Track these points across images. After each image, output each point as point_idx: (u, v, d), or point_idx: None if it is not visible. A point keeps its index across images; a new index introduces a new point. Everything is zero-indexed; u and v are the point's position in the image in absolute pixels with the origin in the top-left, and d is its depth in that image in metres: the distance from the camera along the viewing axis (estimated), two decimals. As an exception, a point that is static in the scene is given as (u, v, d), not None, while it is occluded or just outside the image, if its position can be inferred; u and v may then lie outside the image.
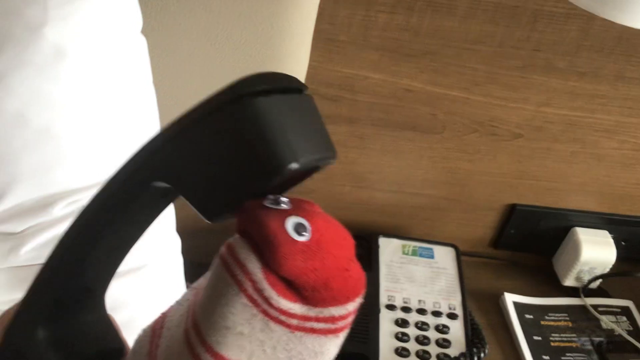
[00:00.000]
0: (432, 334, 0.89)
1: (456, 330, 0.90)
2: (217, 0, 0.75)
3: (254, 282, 0.26)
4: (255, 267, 0.26)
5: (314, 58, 0.85)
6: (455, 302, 0.93)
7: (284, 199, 0.28)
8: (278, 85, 0.27)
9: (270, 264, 0.26)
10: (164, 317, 0.30)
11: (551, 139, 0.95)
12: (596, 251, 1.01)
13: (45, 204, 0.62)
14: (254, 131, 0.25)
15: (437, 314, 0.91)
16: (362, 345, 0.86)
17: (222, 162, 0.26)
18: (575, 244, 1.02)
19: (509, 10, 0.81)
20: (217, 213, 0.27)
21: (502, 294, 1.02)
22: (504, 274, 1.08)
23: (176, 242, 0.73)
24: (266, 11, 0.77)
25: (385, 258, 0.98)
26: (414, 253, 1.00)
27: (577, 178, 1.00)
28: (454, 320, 0.91)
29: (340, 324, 0.28)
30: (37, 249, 0.62)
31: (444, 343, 0.87)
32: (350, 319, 0.28)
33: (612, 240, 1.03)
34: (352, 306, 0.28)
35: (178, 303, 0.30)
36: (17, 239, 0.62)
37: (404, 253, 0.99)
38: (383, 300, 0.92)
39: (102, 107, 0.62)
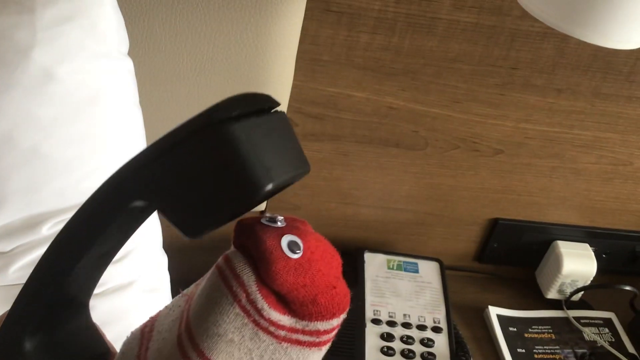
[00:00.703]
0: (417, 348, 0.90)
1: (441, 344, 0.91)
2: (202, 22, 0.76)
3: (247, 294, 0.28)
4: (250, 280, 0.28)
5: (298, 77, 0.86)
6: (439, 315, 0.95)
7: (279, 218, 0.30)
8: (251, 108, 0.28)
9: (264, 278, 0.28)
10: (152, 321, 0.32)
11: (531, 154, 0.97)
12: (577, 264, 1.03)
13: (33, 223, 0.62)
14: (229, 156, 0.26)
15: (422, 327, 0.92)
16: (348, 358, 0.87)
17: (198, 184, 0.27)
18: (557, 257, 1.04)
19: (487, 30, 0.84)
20: (195, 232, 0.27)
21: (486, 307, 1.04)
22: (487, 288, 1.10)
23: (163, 259, 0.74)
24: (250, 32, 0.79)
25: (371, 273, 0.99)
26: (399, 268, 1.01)
27: (558, 192, 1.02)
28: (438, 334, 0.92)
29: (324, 337, 0.30)
30: (26, 267, 0.63)
31: (429, 356, 0.88)
32: (333, 334, 0.30)
33: (592, 253, 1.05)
34: (336, 321, 0.30)
35: (168, 308, 0.31)
36: (5, 258, 0.63)
37: (389, 268, 1.01)
38: (369, 314, 0.93)
39: (89, 128, 0.63)
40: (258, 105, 0.28)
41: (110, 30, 0.64)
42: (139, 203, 0.28)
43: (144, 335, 0.31)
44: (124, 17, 0.67)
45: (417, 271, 1.01)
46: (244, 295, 0.28)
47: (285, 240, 0.29)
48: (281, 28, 0.79)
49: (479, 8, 0.82)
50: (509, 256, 1.09)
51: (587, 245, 1.06)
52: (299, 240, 0.29)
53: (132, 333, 0.32)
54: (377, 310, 0.94)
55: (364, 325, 0.91)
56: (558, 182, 1.01)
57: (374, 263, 1.01)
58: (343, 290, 0.30)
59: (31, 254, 0.63)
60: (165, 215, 0.28)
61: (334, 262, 0.30)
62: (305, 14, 0.81)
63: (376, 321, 0.92)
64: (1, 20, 0.59)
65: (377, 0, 0.81)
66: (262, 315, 0.28)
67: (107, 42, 0.64)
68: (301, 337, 0.29)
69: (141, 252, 0.68)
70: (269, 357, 0.29)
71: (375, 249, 1.03)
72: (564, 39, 0.85)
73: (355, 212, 1.03)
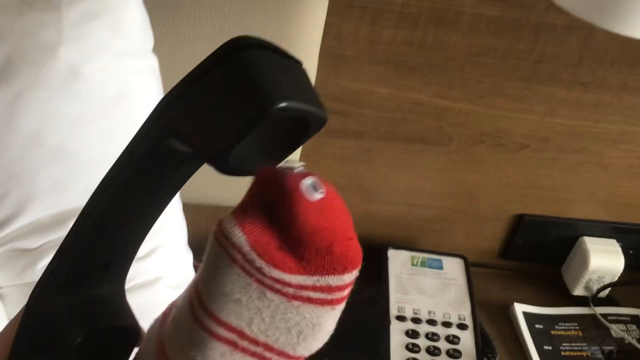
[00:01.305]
0: (443, 345, 0.89)
1: (466, 341, 0.90)
2: (225, 18, 0.77)
3: (243, 254, 0.28)
4: (241, 240, 0.28)
5: (321, 73, 0.86)
6: (465, 312, 0.94)
7: (297, 166, 0.30)
8: (278, 48, 0.30)
9: (284, 219, 0.28)
10: (172, 305, 0.32)
11: (557, 149, 0.96)
12: (604, 260, 1.02)
13: (60, 220, 0.63)
14: (253, 75, 0.28)
15: (447, 324, 0.92)
16: (373, 356, 0.86)
17: (226, 106, 0.29)
18: (583, 253, 1.03)
19: (512, 23, 0.83)
20: (225, 161, 0.29)
21: (512, 304, 1.03)
22: (513, 284, 1.09)
23: (188, 256, 0.74)
24: (274, 28, 0.79)
25: (395, 270, 0.99)
26: (423, 264, 1.00)
27: (584, 187, 1.01)
28: (464, 331, 0.91)
29: (337, 295, 0.29)
30: (53, 264, 0.63)
31: (454, 354, 0.88)
32: (346, 292, 0.30)
33: (620, 249, 1.03)
34: (348, 278, 0.29)
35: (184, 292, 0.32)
36: (33, 255, 0.64)
37: (413, 264, 1.00)
38: (393, 311, 0.92)
39: (115, 125, 0.64)
40: (285, 51, 0.30)
41: (135, 28, 0.64)
42: (172, 144, 0.30)
43: (165, 317, 0.32)
44: (148, 14, 0.68)
45: (441, 268, 1.00)
46: (240, 256, 0.28)
47: (307, 181, 0.28)
48: (304, 24, 0.79)
49: (504, 1, 0.81)
50: (534, 252, 1.08)
51: (614, 241, 1.04)
52: (320, 183, 0.29)
53: (155, 319, 0.33)
54: (401, 307, 0.93)
55: (388, 322, 0.91)
56: (584, 177, 0.99)
57: (397, 260, 1.00)
58: (357, 245, 0.30)
59: (59, 251, 0.63)
60: (196, 146, 0.29)
61: (349, 217, 0.30)
62: (329, 9, 0.81)
63: (401, 318, 0.92)
64: (28, 19, 0.59)
65: (400, -5, 0.81)
66: (263, 274, 0.28)
67: (133, 39, 0.64)
68: (312, 295, 0.29)
69: (167, 249, 0.68)
70: (280, 317, 0.29)
71: (399, 246, 1.02)
72: (589, 31, 0.84)
73: (379, 208, 1.02)
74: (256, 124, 0.28)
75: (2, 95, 0.58)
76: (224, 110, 0.29)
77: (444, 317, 0.93)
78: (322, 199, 0.28)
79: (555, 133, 0.94)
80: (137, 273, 0.65)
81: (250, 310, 0.28)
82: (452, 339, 0.90)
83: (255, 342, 0.29)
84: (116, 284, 0.35)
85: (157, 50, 0.70)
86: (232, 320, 0.28)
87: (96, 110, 0.62)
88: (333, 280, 0.29)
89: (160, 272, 0.67)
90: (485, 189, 1.00)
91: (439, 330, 0.91)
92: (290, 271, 0.28)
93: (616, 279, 1.03)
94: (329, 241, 0.28)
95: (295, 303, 0.28)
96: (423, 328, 0.91)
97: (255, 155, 0.31)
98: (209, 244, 0.30)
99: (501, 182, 0.99)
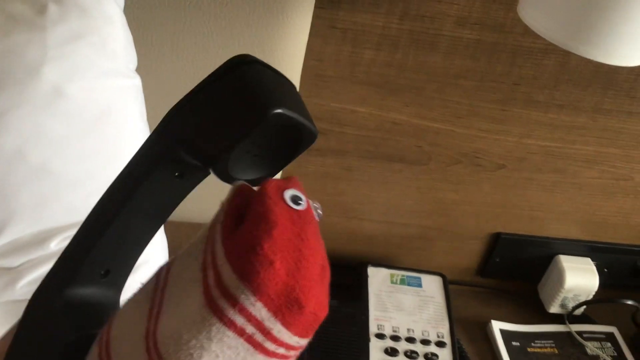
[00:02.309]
0: (422, 362, 0.90)
1: (445, 358, 0.91)
2: (208, 39, 0.77)
3: (258, 323, 0.28)
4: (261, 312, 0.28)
5: (303, 93, 0.87)
6: (443, 330, 0.95)
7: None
8: (274, 68, 0.33)
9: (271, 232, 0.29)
10: (168, 263, 0.33)
11: (533, 169, 0.98)
12: (579, 278, 1.04)
13: (42, 239, 0.63)
14: (254, 85, 0.31)
15: (425, 342, 0.92)
16: (353, 374, 0.87)
17: (228, 111, 0.32)
18: (559, 272, 1.04)
19: (489, 46, 0.85)
20: (225, 164, 0.32)
21: (489, 321, 1.04)
22: (490, 302, 1.10)
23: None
24: (257, 48, 0.80)
25: (374, 287, 0.99)
26: (402, 282, 1.01)
27: (560, 207, 1.03)
28: (442, 348, 0.92)
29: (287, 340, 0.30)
30: (34, 283, 0.63)
31: (433, 371, 0.89)
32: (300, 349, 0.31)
33: (594, 268, 1.05)
34: (305, 339, 0.30)
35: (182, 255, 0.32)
36: (13, 273, 0.64)
37: (392, 282, 1.01)
38: (372, 329, 0.93)
39: (98, 144, 0.64)
40: (280, 72, 0.34)
41: (119, 48, 0.65)
42: (179, 151, 0.32)
43: (160, 272, 0.33)
44: (132, 34, 0.68)
45: (420, 285, 1.01)
46: (252, 326, 0.28)
47: (288, 193, 0.31)
48: (287, 44, 0.81)
49: (481, 25, 0.83)
50: (511, 270, 1.10)
51: (589, 259, 1.06)
52: (300, 194, 0.31)
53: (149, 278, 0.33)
54: (381, 325, 0.94)
55: (368, 340, 0.91)
56: (560, 197, 1.01)
57: (377, 277, 1.01)
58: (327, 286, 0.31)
59: (39, 270, 0.63)
60: (198, 151, 0.32)
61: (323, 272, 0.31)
62: (311, 31, 0.82)
63: (380, 336, 0.92)
64: (12, 38, 0.60)
65: (381, 18, 0.82)
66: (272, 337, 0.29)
67: (116, 59, 0.64)
68: (269, 326, 0.29)
69: (150, 267, 0.68)
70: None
71: (378, 263, 1.03)
72: (565, 55, 0.86)
73: (359, 226, 1.03)
74: (254, 126, 0.30)
75: (-16, 114, 0.58)
76: (226, 115, 0.31)
77: (422, 334, 0.94)
78: (304, 210, 0.31)
79: (531, 153, 0.96)
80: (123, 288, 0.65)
81: None
82: (431, 357, 0.90)
83: None
84: (113, 291, 0.36)
85: (139, 69, 0.70)
86: None
87: (79, 129, 0.63)
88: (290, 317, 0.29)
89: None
90: (463, 207, 1.02)
91: (418, 348, 0.92)
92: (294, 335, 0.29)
93: (591, 296, 1.05)
94: (313, 262, 0.29)
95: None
96: (402, 346, 0.92)
97: (252, 166, 0.33)
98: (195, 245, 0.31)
99: (479, 201, 1.01)
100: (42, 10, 0.61)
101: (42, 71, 0.60)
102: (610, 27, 0.63)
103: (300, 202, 0.31)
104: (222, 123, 0.32)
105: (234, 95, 0.32)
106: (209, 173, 0.33)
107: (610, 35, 0.63)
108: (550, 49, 0.85)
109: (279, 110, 0.31)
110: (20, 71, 0.60)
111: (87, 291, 0.35)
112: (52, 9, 0.61)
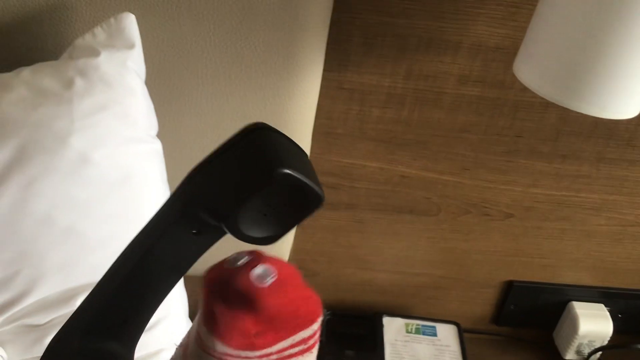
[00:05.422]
0: (438, 412, 0.91)
1: (461, 407, 0.92)
2: (225, 102, 0.82)
3: (224, 355, 0.34)
4: (210, 341, 0.34)
5: (315, 150, 0.91)
6: (458, 379, 0.96)
7: (240, 257, 0.37)
8: (288, 137, 0.36)
9: (251, 307, 0.34)
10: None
11: (541, 217, 1.00)
12: (593, 324, 1.04)
13: (68, 296, 0.66)
14: (265, 148, 0.34)
15: (441, 391, 0.93)
16: None
17: (241, 171, 0.34)
18: (573, 318, 1.05)
19: (491, 101, 0.88)
20: (235, 219, 0.34)
21: (506, 369, 1.05)
22: (506, 350, 1.11)
23: (189, 328, 0.77)
24: (269, 109, 0.84)
25: (390, 337, 1.01)
26: (417, 331, 1.03)
27: (570, 254, 1.04)
28: (458, 397, 0.93)
29: (311, 342, 0.35)
30: (61, 339, 0.66)
31: (449, 420, 0.89)
32: (318, 335, 0.35)
33: (608, 313, 1.06)
34: (316, 325, 0.35)
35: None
36: (41, 330, 0.67)
37: (407, 331, 1.03)
38: (388, 379, 0.94)
39: (121, 207, 0.68)
40: (293, 140, 0.37)
41: (140, 116, 0.69)
42: (197, 211, 0.35)
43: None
44: (153, 101, 0.73)
45: (435, 334, 1.03)
46: (217, 354, 0.34)
47: (255, 273, 0.35)
48: (298, 105, 0.85)
49: (482, 82, 0.87)
50: (526, 318, 1.11)
51: (602, 305, 1.07)
52: (267, 269, 0.35)
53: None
54: (396, 375, 0.95)
55: (384, 390, 0.92)
56: (569, 244, 1.03)
57: (392, 327, 1.03)
58: (314, 297, 0.35)
59: (66, 326, 0.66)
60: (213, 212, 0.34)
61: (298, 276, 0.36)
62: (321, 92, 0.86)
63: (396, 385, 0.93)
64: (42, 111, 0.64)
65: (387, 78, 0.86)
66: (248, 357, 0.33)
67: (138, 127, 0.69)
68: (292, 351, 0.34)
69: (169, 322, 0.71)
70: None
71: (393, 313, 1.05)
72: (564, 108, 0.89)
73: (372, 277, 1.05)
74: (263, 184, 0.33)
75: (17, 181, 0.63)
76: (238, 175, 0.34)
77: (438, 383, 0.95)
78: (274, 281, 0.34)
79: (538, 202, 0.98)
80: (140, 345, 0.68)
81: None
82: (447, 406, 0.91)
83: None
84: (128, 343, 0.39)
85: (160, 134, 0.75)
86: None
87: (103, 193, 0.66)
88: (305, 333, 0.34)
89: (162, 344, 0.70)
90: (474, 256, 1.04)
91: (434, 397, 0.93)
92: (269, 345, 0.33)
93: (606, 342, 1.05)
94: (292, 309, 0.34)
95: None
96: (418, 395, 0.93)
97: (264, 225, 0.36)
98: (191, 346, 0.35)
99: (489, 250, 1.03)
100: (69, 84, 0.66)
101: (69, 141, 0.64)
102: (602, 83, 0.65)
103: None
104: (233, 183, 0.34)
105: (245, 158, 0.34)
106: (226, 231, 0.36)
107: (602, 90, 0.66)
108: (550, 103, 0.88)
109: (286, 171, 0.33)
110: (49, 141, 0.64)
111: (102, 342, 0.37)
112: (79, 83, 0.66)
